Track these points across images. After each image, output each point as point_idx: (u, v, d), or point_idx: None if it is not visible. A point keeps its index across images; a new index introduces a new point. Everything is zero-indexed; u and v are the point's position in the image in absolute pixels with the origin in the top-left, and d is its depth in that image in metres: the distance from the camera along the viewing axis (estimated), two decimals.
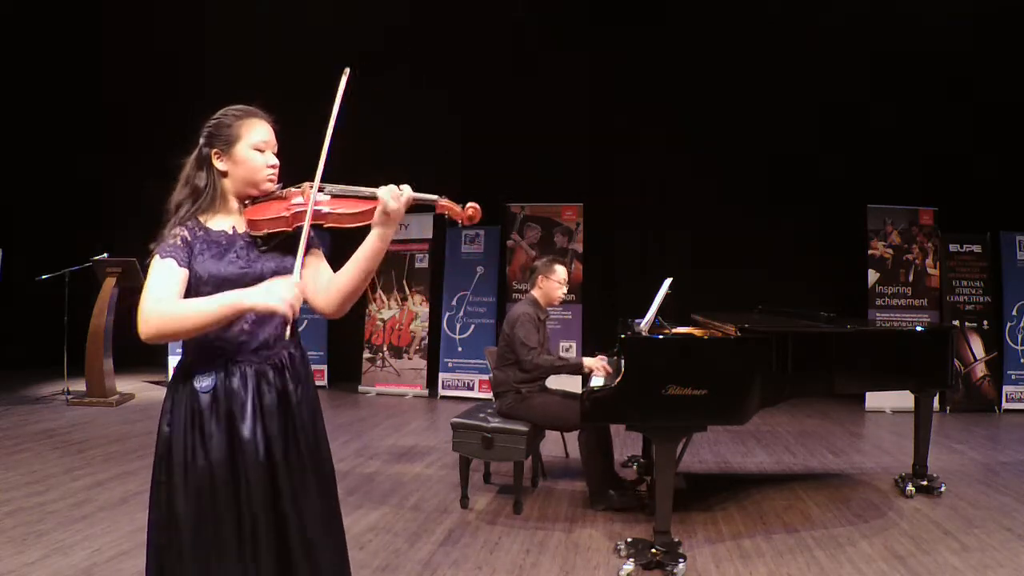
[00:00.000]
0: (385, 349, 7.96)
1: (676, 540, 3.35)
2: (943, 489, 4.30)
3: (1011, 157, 7.34)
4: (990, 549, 3.44)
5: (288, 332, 1.71)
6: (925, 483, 4.31)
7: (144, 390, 7.65)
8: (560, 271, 4.28)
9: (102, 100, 8.60)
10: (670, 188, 7.78)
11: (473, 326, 7.76)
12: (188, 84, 8.30)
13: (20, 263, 7.42)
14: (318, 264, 1.85)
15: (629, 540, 3.43)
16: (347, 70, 1.78)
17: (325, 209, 1.75)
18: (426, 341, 7.91)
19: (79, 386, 6.91)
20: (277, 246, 1.82)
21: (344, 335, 7.97)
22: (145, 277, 1.69)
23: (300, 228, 1.73)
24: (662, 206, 7.82)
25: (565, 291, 4.36)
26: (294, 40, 7.94)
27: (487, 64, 7.84)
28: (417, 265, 7.98)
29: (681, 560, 3.18)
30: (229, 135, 1.79)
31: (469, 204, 1.82)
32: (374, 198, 1.73)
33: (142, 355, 8.56)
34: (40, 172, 8.73)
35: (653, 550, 3.21)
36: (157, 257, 1.70)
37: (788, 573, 3.17)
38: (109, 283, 6.79)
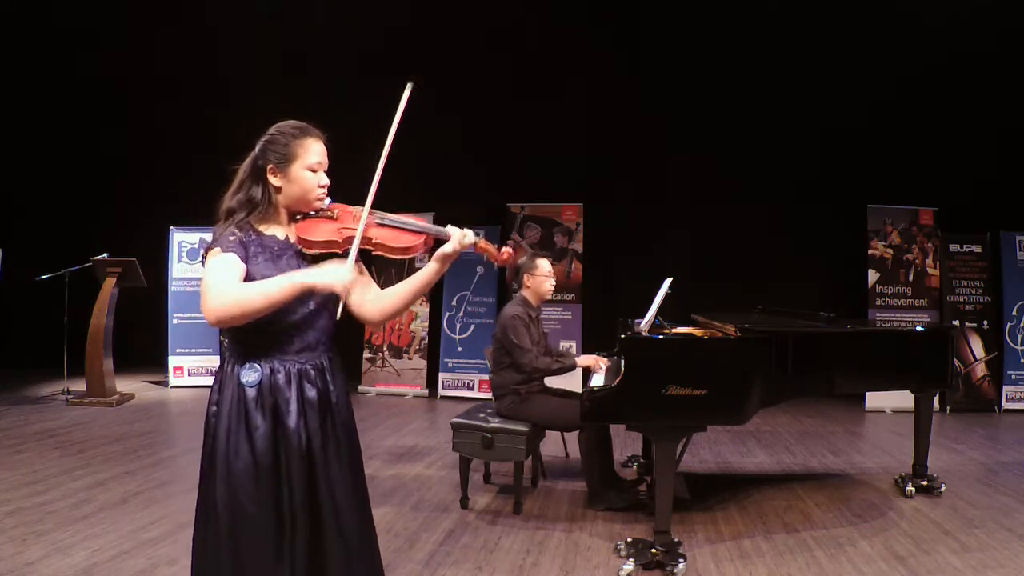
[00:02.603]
0: (385, 349, 7.96)
1: (676, 540, 3.35)
2: (943, 489, 4.30)
3: (1011, 157, 7.34)
4: (990, 549, 3.44)
5: (340, 311, 1.78)
6: (925, 483, 4.31)
7: (144, 390, 7.65)
8: (543, 265, 4.27)
9: (102, 100, 8.60)
10: (670, 188, 7.78)
11: (473, 326, 7.76)
12: (190, 84, 8.31)
13: (20, 263, 7.42)
14: (363, 278, 1.96)
15: (629, 540, 3.43)
16: (410, 85, 1.85)
17: (376, 239, 1.86)
18: (426, 341, 7.91)
19: (79, 386, 6.91)
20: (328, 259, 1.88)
21: (344, 335, 7.88)
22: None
23: (348, 251, 1.82)
24: (662, 206, 7.82)
25: (553, 283, 4.34)
26: (295, 41, 7.95)
27: (487, 64, 7.84)
28: (417, 265, 7.97)
29: (681, 560, 3.19)
30: (286, 153, 1.84)
31: (504, 248, 1.98)
32: (423, 233, 1.87)
33: (142, 355, 8.60)
34: (40, 172, 8.73)
35: (653, 550, 3.21)
36: (218, 250, 1.77)
37: (788, 573, 3.17)
38: (109, 283, 6.78)
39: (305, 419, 1.83)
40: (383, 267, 7.50)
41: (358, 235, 1.80)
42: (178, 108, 8.38)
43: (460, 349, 7.77)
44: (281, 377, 1.82)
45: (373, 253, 1.91)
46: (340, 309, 1.79)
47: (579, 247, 7.77)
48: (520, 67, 7.80)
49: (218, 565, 1.77)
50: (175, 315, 7.94)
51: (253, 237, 1.83)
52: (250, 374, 1.81)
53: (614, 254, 7.93)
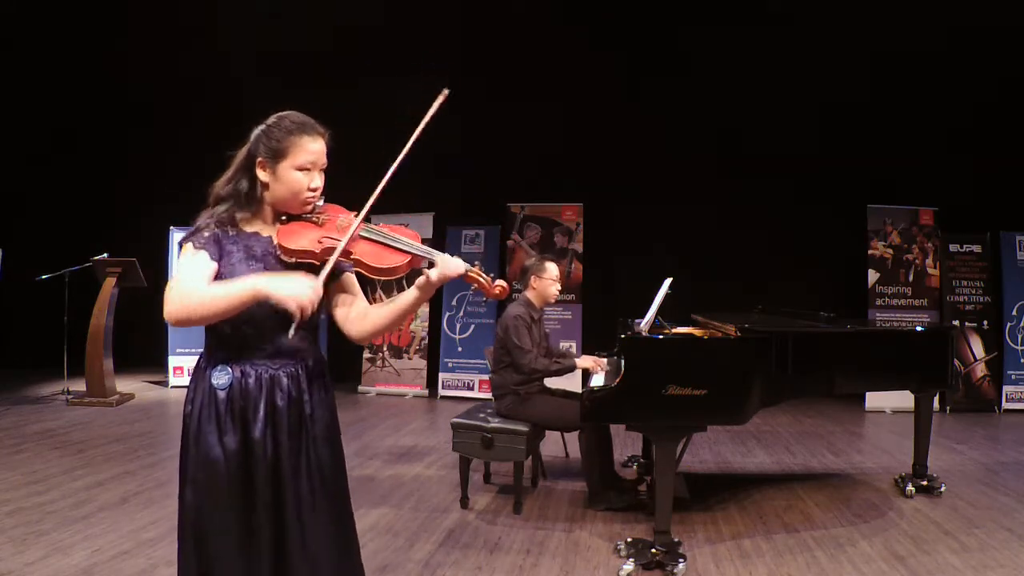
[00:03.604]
0: (385, 349, 7.96)
1: (676, 540, 3.35)
2: (943, 489, 4.30)
3: (1011, 157, 7.34)
4: (990, 549, 3.44)
5: (292, 333, 1.67)
6: (925, 483, 4.31)
7: (144, 390, 7.65)
8: (551, 269, 4.28)
9: (102, 100, 8.60)
10: (670, 188, 7.78)
11: (473, 326, 7.76)
12: (187, 86, 8.32)
13: (20, 263, 7.42)
14: (349, 294, 1.87)
15: (629, 540, 3.43)
16: (445, 92, 1.78)
17: (355, 253, 1.75)
18: (426, 341, 7.91)
19: (79, 386, 6.91)
20: (306, 270, 1.79)
21: (344, 335, 7.96)
22: (172, 269, 1.69)
23: (325, 263, 1.73)
24: (662, 206, 7.82)
25: (559, 288, 4.35)
26: (295, 39, 7.94)
27: (487, 63, 7.84)
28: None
29: (681, 560, 3.18)
30: (277, 149, 1.75)
31: (497, 282, 1.81)
32: (409, 254, 1.75)
33: (142, 355, 8.60)
34: (40, 172, 8.73)
35: (653, 550, 3.21)
36: (190, 246, 1.72)
37: (788, 573, 3.17)
38: (109, 283, 6.78)
39: (273, 429, 1.75)
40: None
41: (338, 249, 1.71)
42: (178, 108, 8.38)
43: (460, 349, 7.77)
44: (251, 382, 1.75)
45: (352, 270, 1.83)
46: (293, 329, 1.66)
47: (579, 247, 7.77)
48: (520, 67, 7.80)
49: (190, 568, 1.74)
50: None
51: (232, 234, 1.76)
52: (221, 376, 1.75)
53: (614, 254, 7.93)
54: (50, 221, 8.61)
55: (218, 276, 1.72)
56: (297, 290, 1.61)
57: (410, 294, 1.76)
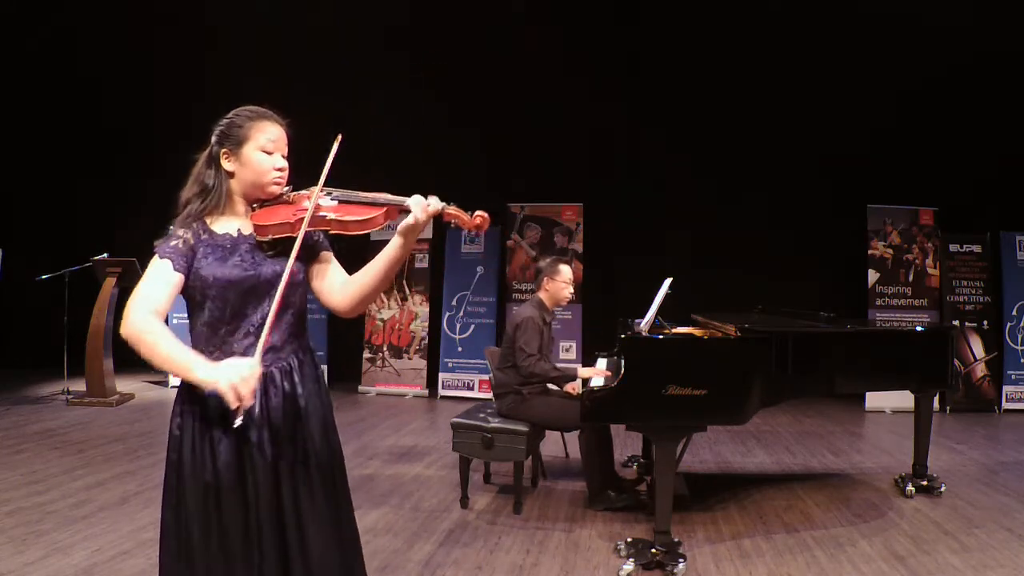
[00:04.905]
0: (385, 349, 7.96)
1: (676, 540, 3.35)
2: (943, 489, 4.30)
3: (1011, 157, 7.34)
4: (990, 549, 3.44)
5: (238, 421, 1.59)
6: (925, 483, 4.31)
7: (144, 390, 7.65)
8: (565, 271, 4.29)
9: (103, 100, 8.60)
10: (670, 188, 7.78)
11: (473, 326, 7.76)
12: (187, 85, 8.31)
13: (20, 263, 7.42)
14: (329, 265, 1.86)
15: (629, 540, 3.43)
16: (339, 137, 1.78)
17: (330, 215, 1.76)
18: (426, 341, 7.91)
19: (79, 386, 6.91)
20: (284, 250, 1.79)
21: (344, 335, 7.97)
22: (145, 273, 1.68)
23: (306, 233, 1.73)
24: (662, 206, 7.83)
25: (571, 291, 4.36)
26: (295, 40, 7.95)
27: (487, 63, 7.84)
28: (417, 265, 7.98)
29: (681, 560, 3.19)
30: (239, 135, 1.78)
31: (477, 213, 1.80)
32: (383, 205, 1.75)
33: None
34: (41, 172, 8.73)
35: (653, 550, 3.21)
36: (157, 256, 1.71)
37: (788, 573, 3.17)
38: (109, 283, 6.79)
39: (269, 429, 1.73)
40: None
41: (309, 210, 1.71)
42: (178, 108, 8.37)
43: (460, 349, 7.77)
44: None
45: (331, 233, 1.82)
46: (233, 417, 1.57)
47: (579, 247, 7.77)
48: (520, 67, 7.80)
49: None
50: (174, 315, 7.90)
51: (204, 237, 1.75)
52: None
53: (614, 254, 7.93)
54: (50, 221, 8.61)
55: (198, 279, 1.71)
56: (227, 373, 1.52)
57: (393, 242, 1.72)
